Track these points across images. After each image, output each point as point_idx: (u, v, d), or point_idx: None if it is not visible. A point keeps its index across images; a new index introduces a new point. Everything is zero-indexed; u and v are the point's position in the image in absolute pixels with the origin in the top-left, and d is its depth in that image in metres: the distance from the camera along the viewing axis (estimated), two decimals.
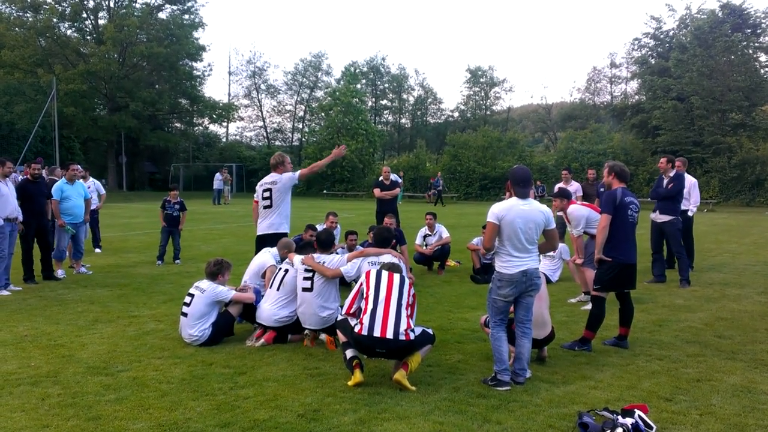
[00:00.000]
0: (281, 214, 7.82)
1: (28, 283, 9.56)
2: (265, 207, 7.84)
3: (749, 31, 40.12)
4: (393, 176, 12.94)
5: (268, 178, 7.94)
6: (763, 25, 40.82)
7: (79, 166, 11.01)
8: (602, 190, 10.50)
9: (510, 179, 5.36)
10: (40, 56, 43.26)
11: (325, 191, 44.69)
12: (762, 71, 40.55)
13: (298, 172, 7.99)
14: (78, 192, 10.55)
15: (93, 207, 12.20)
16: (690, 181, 11.09)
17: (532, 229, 5.20)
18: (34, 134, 35.57)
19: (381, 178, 12.54)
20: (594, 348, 6.22)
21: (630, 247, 6.24)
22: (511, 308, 5.41)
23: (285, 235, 7.70)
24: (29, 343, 6.30)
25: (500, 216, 5.19)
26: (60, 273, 10.21)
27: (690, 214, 11.11)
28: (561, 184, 12.45)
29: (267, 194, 7.81)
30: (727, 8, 39.78)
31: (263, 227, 7.88)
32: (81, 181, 11.24)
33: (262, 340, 6.27)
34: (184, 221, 12.12)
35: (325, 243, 6.67)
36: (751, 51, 39.99)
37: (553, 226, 5.39)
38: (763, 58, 41.81)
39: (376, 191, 12.31)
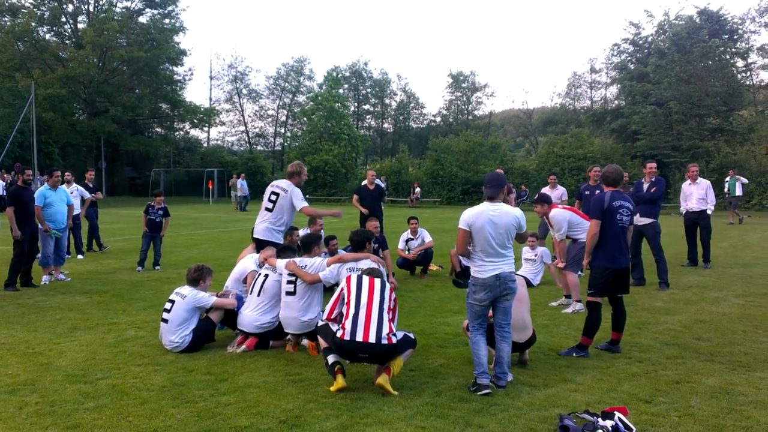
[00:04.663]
0: (282, 223, 7.54)
1: (9, 289, 9.44)
2: (267, 209, 7.58)
3: (726, 36, 40.84)
4: (377, 181, 12.92)
5: (281, 183, 7.68)
6: (740, 31, 41.58)
7: (59, 172, 10.88)
8: (587, 192, 10.63)
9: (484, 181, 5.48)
10: (18, 60, 42.72)
11: (307, 196, 44.48)
12: (739, 76, 41.29)
13: (303, 205, 7.56)
14: (60, 198, 10.47)
15: (75, 212, 12.06)
16: (705, 183, 12.22)
17: (503, 234, 5.23)
18: (12, 139, 35.08)
19: (365, 182, 12.50)
20: None
21: (621, 252, 6.17)
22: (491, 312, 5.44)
23: (278, 243, 7.48)
24: (6, 350, 6.21)
25: (470, 222, 5.24)
26: (45, 279, 10.12)
27: (708, 213, 12.11)
28: (547, 189, 12.55)
29: (274, 197, 7.56)
30: (704, 14, 40.48)
31: (260, 231, 7.56)
32: (64, 186, 11.12)
33: (244, 347, 6.23)
34: (167, 227, 12.02)
35: (307, 245, 6.67)
36: (728, 56, 40.70)
37: (525, 229, 5.45)
38: (740, 63, 42.64)
39: (354, 199, 12.24)
